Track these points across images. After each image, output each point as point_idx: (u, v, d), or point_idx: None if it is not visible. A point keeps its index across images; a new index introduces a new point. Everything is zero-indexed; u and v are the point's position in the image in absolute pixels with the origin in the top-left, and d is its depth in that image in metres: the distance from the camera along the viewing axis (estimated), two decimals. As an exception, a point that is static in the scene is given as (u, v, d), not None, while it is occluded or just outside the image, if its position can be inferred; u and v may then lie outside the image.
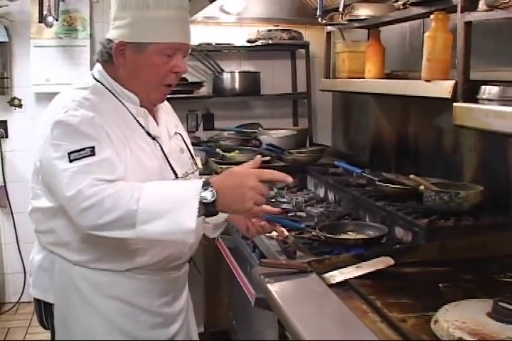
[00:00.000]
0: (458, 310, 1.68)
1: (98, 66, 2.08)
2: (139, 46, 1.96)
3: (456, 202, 2.36)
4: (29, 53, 4.50)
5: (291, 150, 3.84)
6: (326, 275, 2.01)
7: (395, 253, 2.13)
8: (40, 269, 2.11)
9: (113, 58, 2.00)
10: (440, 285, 1.97)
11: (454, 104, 2.03)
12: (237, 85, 4.52)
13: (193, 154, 2.27)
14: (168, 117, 2.22)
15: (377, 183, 2.77)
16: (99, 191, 1.77)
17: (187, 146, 2.25)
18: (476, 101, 1.95)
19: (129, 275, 2.03)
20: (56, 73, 4.48)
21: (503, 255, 2.26)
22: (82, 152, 1.84)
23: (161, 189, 1.83)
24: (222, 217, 2.21)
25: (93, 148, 1.84)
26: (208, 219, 2.16)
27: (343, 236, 2.44)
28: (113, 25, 1.99)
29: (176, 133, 2.21)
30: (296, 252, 2.26)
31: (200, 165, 2.38)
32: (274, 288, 1.92)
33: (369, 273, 2.01)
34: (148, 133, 2.05)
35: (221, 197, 1.79)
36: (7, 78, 4.52)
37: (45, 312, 2.12)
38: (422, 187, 2.51)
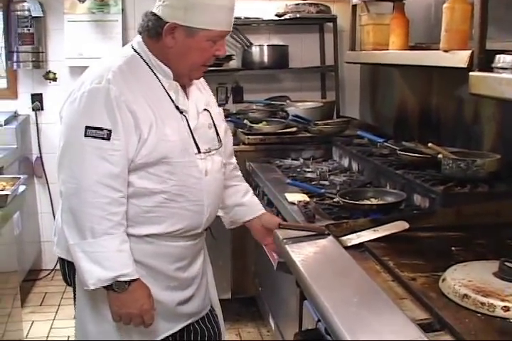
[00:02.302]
0: (465, 269, 1.75)
1: (138, 37, 2.13)
2: (191, 30, 1.99)
3: (472, 170, 2.40)
4: (63, 28, 4.58)
5: (317, 122, 3.89)
6: (343, 238, 2.08)
7: (411, 219, 2.20)
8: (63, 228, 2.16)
9: (160, 35, 2.03)
10: (453, 248, 2.03)
11: (470, 73, 2.06)
12: (265, 58, 4.56)
13: (221, 130, 2.30)
14: (199, 94, 2.25)
15: (398, 152, 2.83)
16: (103, 190, 1.95)
17: (214, 123, 2.25)
18: (491, 70, 1.98)
19: (147, 240, 2.09)
20: (89, 47, 4.57)
21: (517, 221, 2.31)
22: (99, 132, 1.93)
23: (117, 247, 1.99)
24: (240, 220, 2.42)
25: (110, 131, 1.94)
26: (223, 214, 2.42)
27: (362, 202, 2.50)
28: (164, 2, 2.01)
29: (204, 109, 2.22)
30: (315, 216, 2.33)
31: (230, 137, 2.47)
32: (293, 250, 2.01)
33: (384, 237, 2.08)
34: (177, 107, 2.09)
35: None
36: (42, 53, 4.62)
37: (68, 269, 2.19)
38: (440, 156, 2.55)
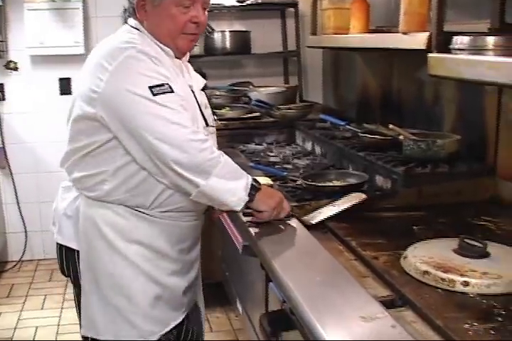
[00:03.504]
0: (426, 247, 1.78)
1: (132, 20, 2.10)
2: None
3: (433, 151, 2.43)
4: (23, 17, 4.52)
5: (279, 107, 3.90)
6: (305, 217, 2.10)
7: (374, 199, 2.23)
8: (65, 216, 2.15)
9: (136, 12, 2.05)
10: (414, 227, 2.07)
11: (429, 55, 2.08)
12: (228, 44, 4.55)
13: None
14: (195, 74, 2.27)
15: (360, 135, 2.85)
16: (199, 131, 1.99)
17: (210, 103, 2.28)
18: (449, 51, 2.01)
19: (150, 219, 2.06)
20: (50, 36, 4.51)
21: (478, 200, 2.35)
22: (162, 87, 1.91)
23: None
24: None
25: (170, 85, 1.94)
26: None
27: (325, 184, 2.52)
28: None
29: (201, 90, 2.24)
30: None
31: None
32: (257, 233, 2.02)
33: (347, 217, 2.10)
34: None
35: (259, 197, 2.00)
36: (2, 42, 4.56)
37: (66, 258, 2.16)
38: (401, 137, 2.58)
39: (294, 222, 2.07)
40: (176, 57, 2.12)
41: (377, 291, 1.62)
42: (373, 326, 1.36)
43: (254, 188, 1.98)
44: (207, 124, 2.15)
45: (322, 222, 2.10)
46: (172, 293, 2.15)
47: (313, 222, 2.07)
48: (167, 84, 1.93)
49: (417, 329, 1.43)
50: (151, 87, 1.89)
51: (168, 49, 2.07)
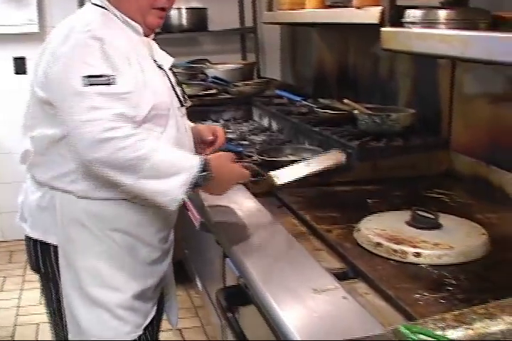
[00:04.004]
0: (379, 219, 1.79)
1: None
2: None
3: (387, 125, 2.43)
4: (-28, -5, 4.42)
5: (236, 83, 3.88)
6: (272, 173, 2.08)
7: (328, 174, 2.23)
8: (39, 208, 1.98)
9: None
10: (368, 200, 2.08)
11: (382, 29, 2.08)
12: (184, 22, 4.50)
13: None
14: (163, 52, 2.11)
15: (315, 110, 2.85)
16: (121, 127, 1.73)
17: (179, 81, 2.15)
18: (401, 25, 2.01)
19: (129, 206, 1.92)
20: (3, 14, 4.40)
21: (432, 174, 2.37)
22: (99, 78, 1.75)
23: (172, 152, 1.81)
24: None
25: (113, 76, 1.77)
26: None
27: (280, 159, 2.52)
28: None
29: (169, 68, 2.08)
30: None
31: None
32: (213, 209, 2.02)
33: (301, 192, 2.10)
34: (155, 61, 1.97)
35: (212, 182, 1.81)
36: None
37: (42, 253, 2.00)
38: (356, 112, 2.58)
39: (248, 197, 2.07)
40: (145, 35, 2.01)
41: (330, 264, 1.63)
42: (325, 298, 1.37)
43: (201, 178, 1.77)
44: (182, 104, 2.04)
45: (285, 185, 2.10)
46: (150, 285, 2.03)
47: (280, 183, 2.02)
48: (108, 75, 1.76)
49: (369, 300, 1.44)
50: (85, 77, 1.74)
51: (137, 25, 1.96)
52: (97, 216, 1.90)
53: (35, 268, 2.05)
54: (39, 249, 2.00)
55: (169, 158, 1.77)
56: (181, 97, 2.06)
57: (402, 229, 1.69)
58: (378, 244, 1.63)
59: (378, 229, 1.70)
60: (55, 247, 1.94)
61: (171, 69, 2.07)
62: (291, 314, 1.33)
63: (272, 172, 1.99)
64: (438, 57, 2.23)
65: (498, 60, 1.39)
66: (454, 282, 1.48)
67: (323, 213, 1.95)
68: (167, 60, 2.06)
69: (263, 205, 2.01)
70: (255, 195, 2.11)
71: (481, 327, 1.18)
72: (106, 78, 1.75)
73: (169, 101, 1.93)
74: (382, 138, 2.42)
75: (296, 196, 2.10)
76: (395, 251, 1.60)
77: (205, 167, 1.78)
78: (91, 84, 1.73)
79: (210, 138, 2.24)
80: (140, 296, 1.98)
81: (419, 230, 1.68)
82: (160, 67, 1.97)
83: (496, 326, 1.19)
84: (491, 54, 1.40)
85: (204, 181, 1.78)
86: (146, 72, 1.86)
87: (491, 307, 1.22)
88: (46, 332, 2.55)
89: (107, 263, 1.92)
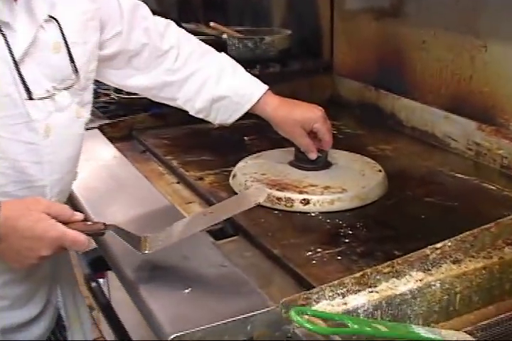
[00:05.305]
0: (258, 162, 1.59)
1: None
2: None
3: (262, 49, 2.31)
4: None
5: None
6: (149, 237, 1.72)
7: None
8: None
9: None
10: (245, 138, 1.90)
11: None
12: None
13: (86, 48, 1.35)
14: None
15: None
16: None
17: (65, 41, 1.28)
18: None
19: None
20: None
21: (315, 102, 2.11)
22: None
23: None
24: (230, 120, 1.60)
25: None
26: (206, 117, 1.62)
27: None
28: None
29: (50, 17, 1.26)
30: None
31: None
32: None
33: (167, 133, 1.90)
34: None
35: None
36: None
37: None
38: (225, 36, 2.41)
39: (103, 141, 1.81)
40: None
41: (203, 220, 1.40)
42: (198, 267, 1.14)
43: None
44: (30, 95, 1.20)
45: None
46: None
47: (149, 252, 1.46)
48: None
49: (253, 263, 1.23)
50: None
51: None
52: None
53: None
54: None
55: None
56: (33, 82, 1.22)
57: (286, 172, 1.50)
58: (258, 192, 1.41)
59: (258, 173, 1.49)
60: None
61: (55, 19, 1.26)
62: (156, 299, 1.06)
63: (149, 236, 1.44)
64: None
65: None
66: (350, 232, 1.31)
67: (194, 157, 1.75)
68: (39, 9, 1.26)
69: (122, 152, 1.75)
70: (112, 139, 1.84)
71: (388, 288, 1.04)
72: None
73: None
74: (257, 64, 2.28)
75: (162, 138, 1.88)
76: (279, 199, 1.39)
77: None
78: None
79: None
80: None
81: (305, 172, 1.50)
82: None
83: (405, 285, 1.05)
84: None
85: None
86: None
87: (397, 264, 1.06)
88: None
89: None
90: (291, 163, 1.53)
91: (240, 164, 1.57)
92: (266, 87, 1.59)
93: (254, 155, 1.63)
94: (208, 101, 1.55)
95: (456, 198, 1.47)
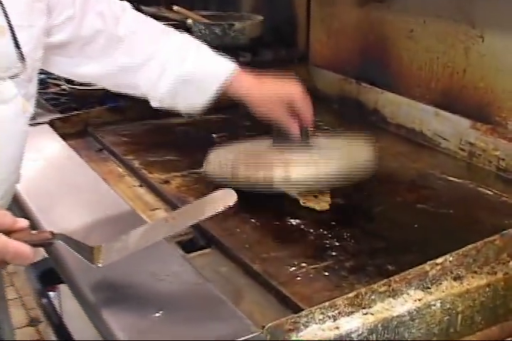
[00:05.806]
0: (232, 147, 1.59)
1: None
2: None
3: (231, 36, 2.32)
4: None
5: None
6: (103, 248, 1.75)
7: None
8: None
9: None
10: (214, 135, 1.88)
11: None
12: None
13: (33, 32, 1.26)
14: None
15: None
16: None
17: (10, 24, 1.19)
18: None
19: None
20: None
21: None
22: None
23: None
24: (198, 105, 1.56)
25: None
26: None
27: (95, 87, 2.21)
28: None
29: None
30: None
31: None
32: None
33: (127, 129, 1.87)
34: None
35: None
36: None
37: None
38: (190, 21, 2.40)
39: (54, 138, 1.74)
40: None
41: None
42: (167, 285, 1.07)
43: None
44: None
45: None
46: None
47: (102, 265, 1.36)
48: None
49: (229, 279, 1.17)
50: None
51: None
52: None
53: None
54: None
55: None
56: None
57: (265, 152, 1.50)
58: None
59: (233, 153, 1.51)
60: None
61: None
62: (123, 325, 0.98)
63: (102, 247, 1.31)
64: None
65: None
66: (337, 243, 1.27)
67: (158, 157, 1.71)
68: None
69: (76, 150, 1.69)
70: (64, 136, 1.78)
71: (384, 309, 1.01)
72: None
73: None
74: (225, 53, 2.19)
75: (121, 135, 1.85)
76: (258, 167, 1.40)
77: None
78: None
79: None
80: None
81: (286, 150, 1.47)
82: None
83: (402, 305, 1.02)
84: None
85: None
86: None
87: (394, 283, 1.02)
88: None
89: None
90: (270, 146, 1.51)
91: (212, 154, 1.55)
92: (235, 65, 1.55)
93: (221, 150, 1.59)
94: (172, 84, 1.50)
95: (451, 205, 1.45)
